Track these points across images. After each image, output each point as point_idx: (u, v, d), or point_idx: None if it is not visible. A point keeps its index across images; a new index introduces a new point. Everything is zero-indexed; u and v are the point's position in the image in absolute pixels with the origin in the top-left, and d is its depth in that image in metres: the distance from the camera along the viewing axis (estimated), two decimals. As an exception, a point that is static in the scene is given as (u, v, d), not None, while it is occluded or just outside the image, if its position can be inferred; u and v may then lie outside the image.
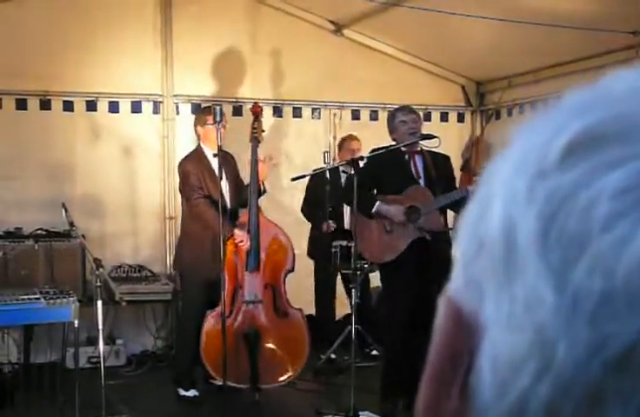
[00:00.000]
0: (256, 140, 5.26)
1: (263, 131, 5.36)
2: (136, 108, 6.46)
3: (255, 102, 5.45)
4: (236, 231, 5.01)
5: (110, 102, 6.37)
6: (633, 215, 0.29)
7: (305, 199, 6.31)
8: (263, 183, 5.29)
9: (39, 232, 5.87)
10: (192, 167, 5.18)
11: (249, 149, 5.24)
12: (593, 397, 0.29)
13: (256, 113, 5.33)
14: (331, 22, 6.91)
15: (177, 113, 6.54)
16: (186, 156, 5.37)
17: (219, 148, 4.98)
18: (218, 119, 5.05)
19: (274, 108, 6.81)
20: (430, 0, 5.56)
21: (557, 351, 0.30)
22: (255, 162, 5.19)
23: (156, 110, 6.51)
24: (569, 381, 0.30)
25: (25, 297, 4.44)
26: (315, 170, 5.61)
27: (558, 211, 0.31)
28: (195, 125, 5.37)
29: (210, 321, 5.03)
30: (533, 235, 0.32)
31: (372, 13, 6.32)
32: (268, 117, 6.77)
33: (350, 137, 6.35)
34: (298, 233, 6.48)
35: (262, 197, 5.31)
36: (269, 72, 6.76)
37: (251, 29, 6.71)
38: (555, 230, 0.31)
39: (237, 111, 6.58)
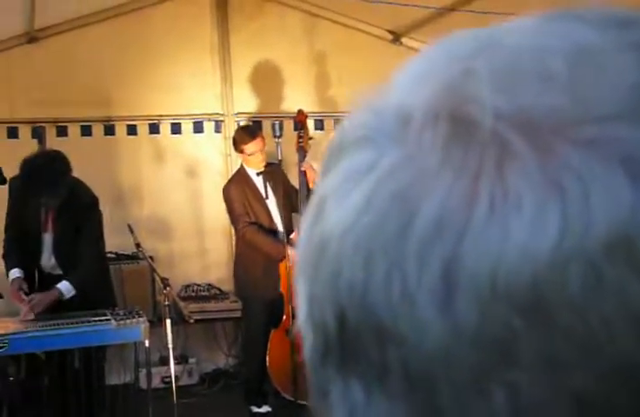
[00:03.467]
0: (302, 149, 5.16)
1: (311, 138, 5.27)
2: (197, 128, 6.50)
3: (299, 110, 5.36)
4: (290, 251, 4.91)
5: (173, 124, 6.44)
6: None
7: None
8: None
9: (109, 255, 5.91)
10: (235, 192, 5.14)
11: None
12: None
13: (302, 121, 5.25)
14: (389, 31, 6.85)
15: (239, 131, 6.56)
16: (229, 180, 5.36)
17: (279, 162, 4.96)
18: (278, 134, 5.04)
19: (334, 120, 6.77)
20: (489, 2, 5.45)
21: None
22: (302, 173, 5.09)
23: (217, 129, 6.55)
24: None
25: (96, 319, 4.46)
26: None
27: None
28: (239, 145, 5.26)
29: (275, 340, 5.00)
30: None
31: (430, 19, 6.23)
32: (329, 130, 6.73)
33: None
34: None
35: None
36: (329, 86, 6.74)
37: (309, 43, 6.70)
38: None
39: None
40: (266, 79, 6.60)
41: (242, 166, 5.31)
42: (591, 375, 0.27)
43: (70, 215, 4.58)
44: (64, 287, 4.54)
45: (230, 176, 5.67)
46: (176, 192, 6.37)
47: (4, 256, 4.79)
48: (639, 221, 0.27)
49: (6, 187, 4.75)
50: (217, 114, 6.54)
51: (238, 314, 5.77)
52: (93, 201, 4.71)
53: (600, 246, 0.27)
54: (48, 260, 4.78)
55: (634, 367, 0.27)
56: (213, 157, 6.53)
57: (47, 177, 4.38)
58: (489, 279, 0.27)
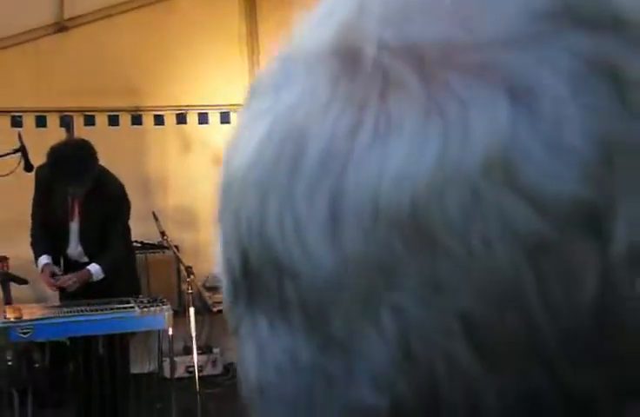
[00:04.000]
0: None
1: None
2: (224, 118, 6.51)
3: None
4: None
5: (200, 114, 6.45)
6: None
7: None
8: None
9: (134, 244, 5.93)
10: None
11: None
12: None
13: None
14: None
15: (266, 122, 6.57)
16: None
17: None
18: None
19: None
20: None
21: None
22: None
23: (244, 120, 6.55)
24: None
25: (120, 306, 4.49)
26: None
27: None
28: None
29: None
30: None
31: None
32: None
33: None
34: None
35: None
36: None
37: (337, 34, 6.68)
38: None
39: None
40: (294, 69, 6.59)
41: None
42: (474, 296, 0.27)
43: (97, 204, 4.61)
44: (94, 269, 4.61)
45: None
46: (203, 182, 6.36)
47: (33, 244, 4.83)
48: (517, 143, 0.27)
49: (32, 175, 4.78)
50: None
51: (263, 305, 5.78)
52: (122, 191, 4.74)
53: (478, 167, 0.27)
54: (74, 248, 4.82)
55: (516, 287, 0.27)
56: (240, 148, 6.53)
57: (74, 166, 4.41)
58: (371, 205, 0.28)
